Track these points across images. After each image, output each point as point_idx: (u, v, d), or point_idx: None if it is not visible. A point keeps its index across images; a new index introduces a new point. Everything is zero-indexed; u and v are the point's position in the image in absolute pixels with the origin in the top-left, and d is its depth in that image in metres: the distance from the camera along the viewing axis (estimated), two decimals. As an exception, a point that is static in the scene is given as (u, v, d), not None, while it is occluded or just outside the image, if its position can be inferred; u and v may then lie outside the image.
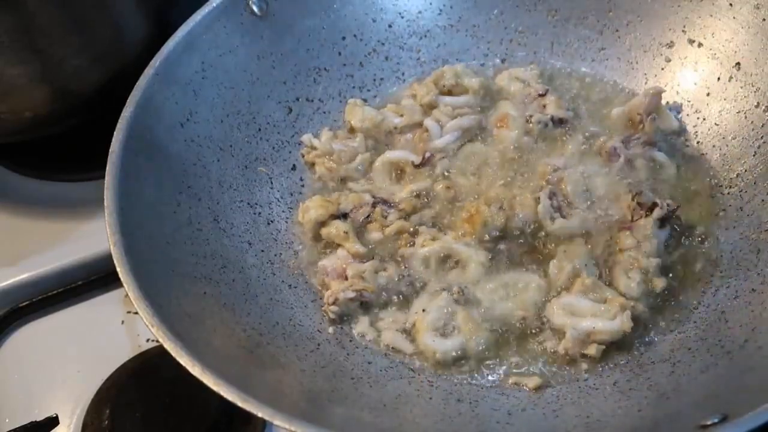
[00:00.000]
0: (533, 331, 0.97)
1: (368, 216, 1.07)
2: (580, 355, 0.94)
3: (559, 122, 1.14)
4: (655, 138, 1.11)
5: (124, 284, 0.84)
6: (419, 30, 1.25)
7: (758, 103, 1.08)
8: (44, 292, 1.16)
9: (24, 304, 1.16)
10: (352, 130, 1.18)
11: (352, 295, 0.99)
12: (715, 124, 1.11)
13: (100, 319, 1.15)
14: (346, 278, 1.02)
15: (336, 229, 1.06)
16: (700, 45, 1.15)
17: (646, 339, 0.95)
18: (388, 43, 1.24)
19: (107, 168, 0.94)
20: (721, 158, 1.09)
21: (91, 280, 1.17)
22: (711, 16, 1.13)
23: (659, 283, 0.97)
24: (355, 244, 1.04)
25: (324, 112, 1.21)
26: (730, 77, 1.11)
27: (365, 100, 1.22)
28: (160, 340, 0.80)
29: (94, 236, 1.16)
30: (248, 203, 1.09)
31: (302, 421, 0.75)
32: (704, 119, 1.13)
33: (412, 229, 1.06)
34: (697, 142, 1.12)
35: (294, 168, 1.16)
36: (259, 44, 1.16)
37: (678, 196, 1.07)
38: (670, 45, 1.17)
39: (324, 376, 0.92)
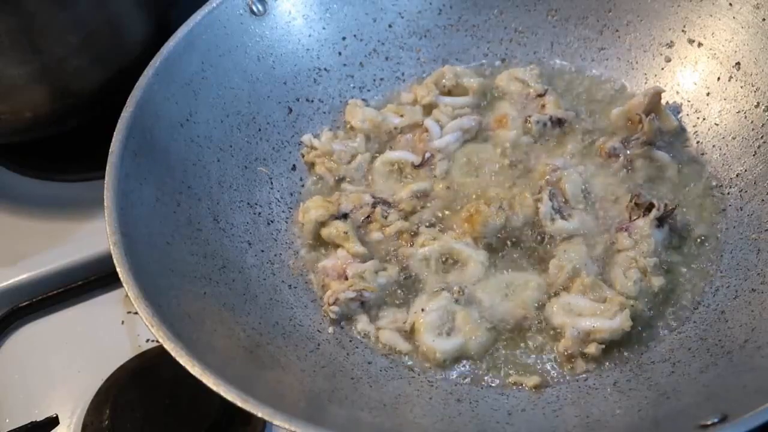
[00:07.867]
0: (533, 330, 0.97)
1: (368, 216, 1.07)
2: (580, 354, 0.94)
3: (558, 122, 1.14)
4: (655, 138, 1.10)
5: (124, 284, 0.84)
6: (419, 30, 1.25)
7: (758, 103, 1.08)
8: (44, 292, 1.16)
9: (24, 304, 1.15)
10: (352, 131, 1.18)
11: (352, 295, 0.99)
12: (715, 124, 1.11)
13: (100, 319, 1.15)
14: (346, 278, 1.02)
15: (336, 229, 1.06)
16: (700, 45, 1.15)
17: (646, 339, 0.95)
18: (388, 43, 1.24)
19: (107, 168, 0.94)
20: (721, 158, 1.09)
21: (91, 280, 1.17)
22: (711, 16, 1.13)
23: (657, 282, 0.97)
24: (355, 244, 1.04)
25: (324, 112, 1.21)
26: (730, 77, 1.11)
27: (365, 101, 1.22)
28: (160, 340, 0.80)
29: (94, 236, 1.15)
30: (248, 203, 1.09)
31: (302, 421, 0.75)
32: (704, 119, 1.13)
33: (412, 229, 1.06)
34: (697, 142, 1.12)
35: (294, 168, 1.16)
36: (259, 44, 1.16)
37: (678, 196, 1.07)
38: (670, 45, 1.17)
39: (324, 376, 0.92)
